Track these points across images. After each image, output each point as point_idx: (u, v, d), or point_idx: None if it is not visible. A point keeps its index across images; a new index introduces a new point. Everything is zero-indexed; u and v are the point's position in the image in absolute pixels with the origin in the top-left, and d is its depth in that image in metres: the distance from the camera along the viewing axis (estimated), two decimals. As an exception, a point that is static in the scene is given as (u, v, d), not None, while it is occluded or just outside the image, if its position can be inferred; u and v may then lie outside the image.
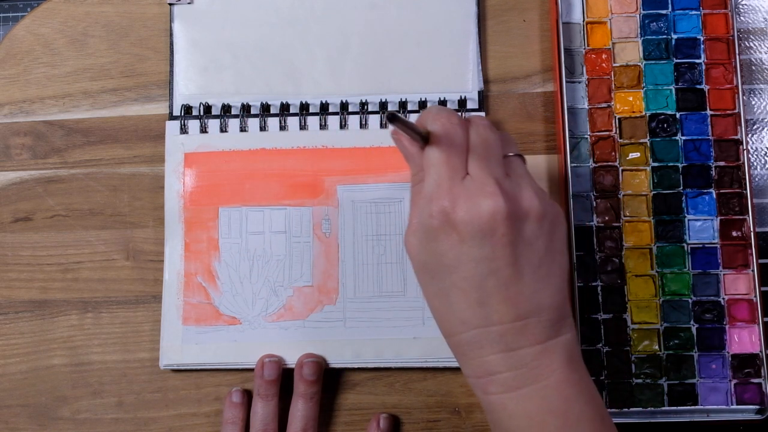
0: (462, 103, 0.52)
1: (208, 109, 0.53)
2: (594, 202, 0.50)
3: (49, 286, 0.53)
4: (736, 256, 0.49)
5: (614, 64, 0.52)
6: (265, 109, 0.53)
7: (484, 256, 0.36)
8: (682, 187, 0.50)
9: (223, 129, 0.53)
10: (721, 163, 0.50)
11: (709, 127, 0.51)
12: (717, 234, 0.50)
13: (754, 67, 0.54)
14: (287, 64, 0.53)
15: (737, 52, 0.51)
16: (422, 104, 0.52)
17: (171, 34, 0.54)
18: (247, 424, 0.49)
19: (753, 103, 0.53)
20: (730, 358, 0.49)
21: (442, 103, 0.52)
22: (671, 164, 0.50)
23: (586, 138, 0.51)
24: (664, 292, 0.49)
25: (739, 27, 0.53)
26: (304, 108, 0.53)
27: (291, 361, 0.50)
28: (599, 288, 0.49)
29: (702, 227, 0.50)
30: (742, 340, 0.49)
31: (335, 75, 0.53)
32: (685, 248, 0.50)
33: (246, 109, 0.53)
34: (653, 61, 0.52)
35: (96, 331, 0.52)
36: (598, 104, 0.51)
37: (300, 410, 0.48)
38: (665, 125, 0.51)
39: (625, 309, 0.49)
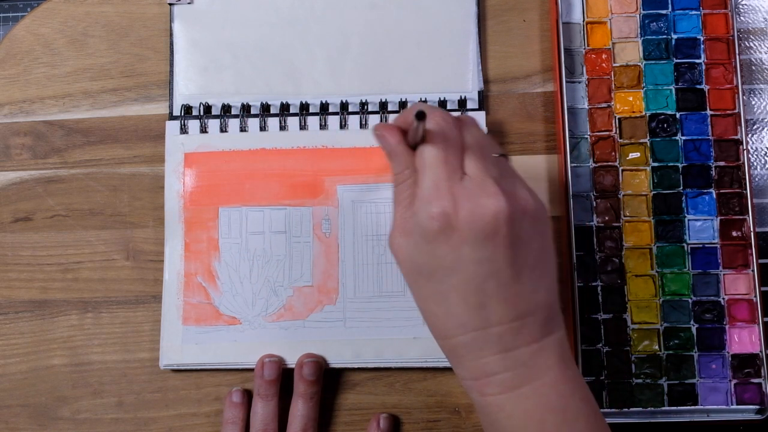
0: (462, 103, 0.52)
1: (208, 109, 0.53)
2: (594, 202, 0.50)
3: (49, 286, 0.53)
4: (736, 256, 0.49)
5: (614, 64, 0.52)
6: (265, 109, 0.53)
7: (486, 258, 0.36)
8: (682, 187, 0.50)
9: (223, 129, 0.53)
10: (721, 163, 0.50)
11: (709, 127, 0.51)
12: (717, 234, 0.50)
13: (754, 67, 0.54)
14: (287, 64, 0.53)
15: (737, 52, 0.51)
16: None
17: (171, 34, 0.54)
18: (247, 424, 0.49)
19: (753, 103, 0.53)
20: (730, 358, 0.49)
21: (442, 103, 0.52)
22: (671, 164, 0.50)
23: (586, 138, 0.51)
24: (664, 292, 0.49)
25: (739, 27, 0.53)
26: (304, 108, 0.53)
27: (291, 361, 0.50)
28: (599, 288, 0.49)
29: (702, 227, 0.50)
30: (742, 340, 0.49)
31: (335, 75, 0.53)
32: (685, 248, 0.50)
33: (246, 109, 0.53)
34: (653, 61, 0.52)
35: (96, 331, 0.52)
36: (598, 104, 0.51)
37: (300, 410, 0.48)
38: (665, 125, 0.51)
39: (625, 309, 0.49)
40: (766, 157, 0.53)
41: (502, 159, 0.39)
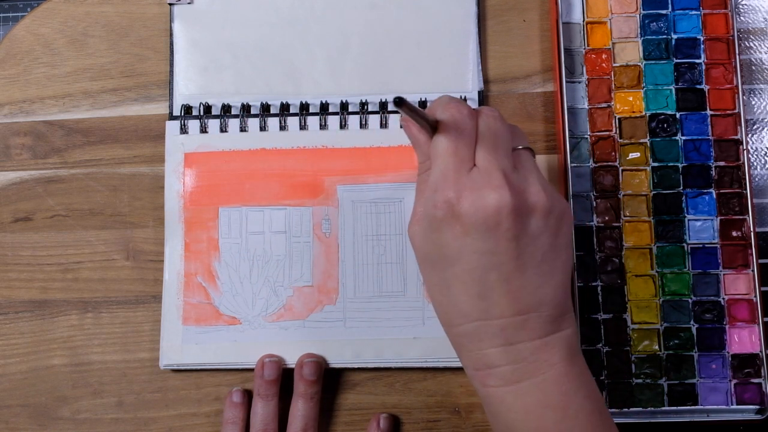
0: (462, 103, 0.52)
1: (208, 109, 0.53)
2: (594, 202, 0.50)
3: (49, 286, 0.53)
4: (736, 256, 0.49)
5: (614, 64, 0.52)
6: (265, 109, 0.53)
7: (487, 250, 0.36)
8: (682, 187, 0.50)
9: (223, 129, 0.53)
10: (721, 163, 0.50)
11: (709, 127, 0.51)
12: (717, 234, 0.50)
13: (754, 67, 0.54)
14: (287, 64, 0.53)
15: (737, 52, 0.51)
16: (422, 104, 0.52)
17: (171, 34, 0.54)
18: (248, 424, 0.49)
19: (753, 103, 0.53)
20: (730, 358, 0.49)
21: (442, 103, 0.52)
22: (671, 164, 0.50)
23: (586, 138, 0.51)
24: (664, 292, 0.49)
25: (739, 27, 0.53)
26: (304, 108, 0.53)
27: (291, 361, 0.50)
28: (599, 288, 0.49)
29: (702, 227, 0.50)
30: (742, 340, 0.49)
31: (335, 75, 0.53)
32: (685, 248, 0.50)
33: (246, 109, 0.53)
34: (653, 61, 0.52)
35: (96, 331, 0.52)
36: (598, 104, 0.51)
37: (300, 410, 0.48)
38: (665, 125, 0.51)
39: (625, 309, 0.49)
40: (766, 157, 0.53)
41: (525, 152, 0.39)
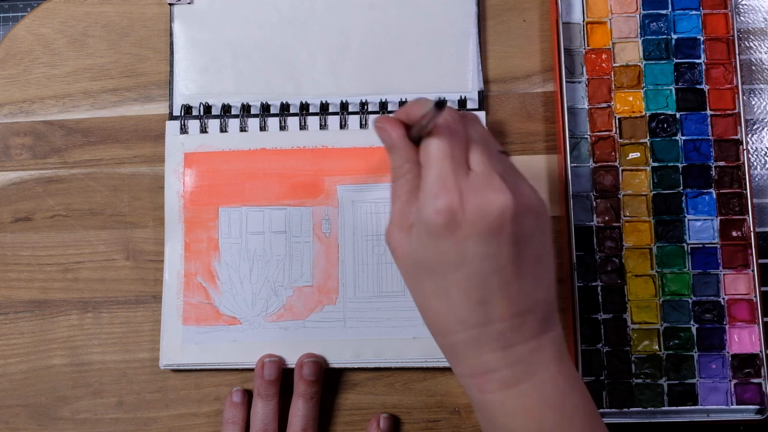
0: (462, 103, 0.52)
1: (208, 109, 0.53)
2: (594, 202, 0.50)
3: (49, 286, 0.53)
4: (736, 256, 0.49)
5: (614, 64, 0.52)
6: (265, 109, 0.53)
7: (490, 254, 0.36)
8: (682, 187, 0.50)
9: (223, 129, 0.53)
10: (721, 163, 0.50)
11: (709, 127, 0.51)
12: (717, 234, 0.50)
13: (754, 67, 0.54)
14: (287, 64, 0.53)
15: (737, 52, 0.51)
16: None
17: (171, 34, 0.54)
18: (248, 424, 0.49)
19: (753, 103, 0.53)
20: (730, 358, 0.49)
21: (442, 103, 0.52)
22: (671, 164, 0.50)
23: (586, 138, 0.51)
24: (664, 292, 0.49)
25: (739, 27, 0.53)
26: (304, 108, 0.53)
27: (291, 361, 0.50)
28: (599, 288, 0.49)
29: (702, 227, 0.50)
30: (742, 340, 0.49)
31: (335, 75, 0.53)
32: (685, 248, 0.50)
33: (246, 109, 0.53)
34: (653, 61, 0.52)
35: (96, 331, 0.52)
36: (598, 104, 0.51)
37: (300, 410, 0.48)
38: (665, 125, 0.51)
39: (625, 309, 0.49)
40: (766, 157, 0.53)
41: (503, 155, 0.39)
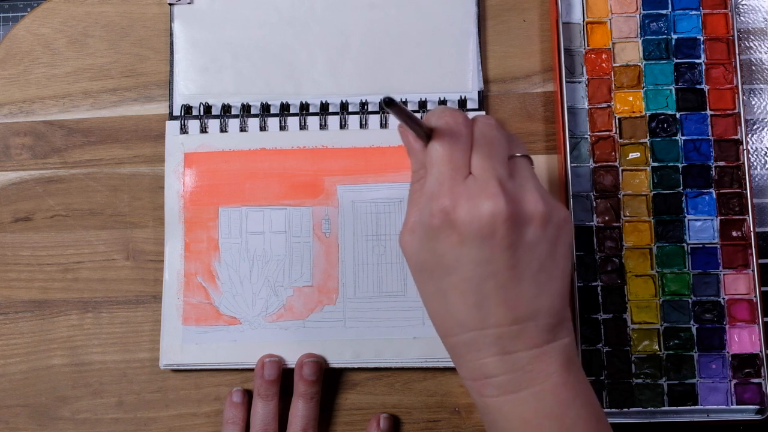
0: (462, 103, 0.52)
1: (208, 109, 0.53)
2: (594, 202, 0.50)
3: (49, 286, 0.53)
4: (736, 256, 0.49)
5: (614, 64, 0.52)
6: (265, 109, 0.53)
7: (484, 258, 0.36)
8: (682, 187, 0.50)
9: (223, 129, 0.53)
10: (721, 163, 0.50)
11: (709, 127, 0.51)
12: (717, 234, 0.50)
13: (754, 67, 0.54)
14: (287, 64, 0.53)
15: (737, 52, 0.51)
16: (422, 104, 0.52)
17: (171, 34, 0.54)
18: (248, 424, 0.49)
19: (753, 103, 0.53)
20: (730, 358, 0.49)
21: (442, 103, 0.52)
22: (671, 164, 0.50)
23: (586, 138, 0.51)
24: (664, 292, 0.49)
25: (739, 27, 0.53)
26: (304, 108, 0.53)
27: (291, 361, 0.50)
28: (599, 288, 0.49)
29: (702, 227, 0.50)
30: (742, 340, 0.49)
31: (335, 75, 0.53)
32: (685, 248, 0.50)
33: (246, 109, 0.53)
34: (653, 61, 0.52)
35: (96, 331, 0.52)
36: (598, 104, 0.51)
37: (300, 410, 0.48)
38: (665, 125, 0.51)
39: (625, 309, 0.49)
40: (766, 157, 0.53)
41: (522, 160, 0.39)
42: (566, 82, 0.51)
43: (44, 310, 0.53)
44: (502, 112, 0.53)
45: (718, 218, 0.50)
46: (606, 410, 0.48)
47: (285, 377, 0.50)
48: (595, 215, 0.50)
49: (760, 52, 0.54)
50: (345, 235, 0.51)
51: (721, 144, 0.50)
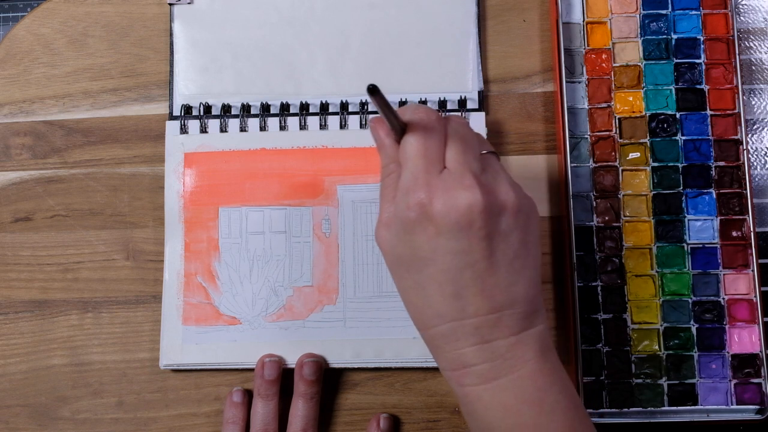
0: (462, 103, 0.52)
1: (208, 109, 0.53)
2: (594, 202, 0.50)
3: (49, 286, 0.53)
4: (736, 256, 0.49)
5: (614, 64, 0.52)
6: (265, 109, 0.53)
7: (461, 249, 0.37)
8: (682, 187, 0.50)
9: (223, 129, 0.53)
10: (721, 163, 0.50)
11: (709, 127, 0.51)
12: (717, 234, 0.50)
13: (754, 67, 0.54)
14: (287, 64, 0.53)
15: (737, 52, 0.51)
16: (422, 104, 0.52)
17: (171, 34, 0.54)
18: (248, 424, 0.49)
19: (753, 103, 0.53)
20: (730, 358, 0.49)
21: (442, 103, 0.52)
22: (671, 164, 0.50)
23: (586, 138, 0.51)
24: (664, 292, 0.49)
25: (739, 27, 0.53)
26: (304, 108, 0.53)
27: (291, 361, 0.50)
28: (599, 288, 0.49)
29: (702, 227, 0.50)
30: (742, 340, 0.49)
31: (335, 75, 0.53)
32: (685, 248, 0.50)
33: (246, 109, 0.53)
34: (653, 61, 0.52)
35: (96, 331, 0.52)
36: (598, 104, 0.51)
37: (300, 410, 0.48)
38: (665, 125, 0.51)
39: (625, 309, 0.49)
40: (766, 157, 0.53)
41: (491, 156, 0.40)
42: (566, 82, 0.51)
43: (44, 310, 0.53)
44: (502, 112, 0.53)
45: (718, 218, 0.50)
46: (606, 410, 0.48)
47: (285, 377, 0.50)
48: (595, 215, 0.50)
49: (760, 52, 0.54)
50: (345, 235, 0.51)
51: (721, 144, 0.50)
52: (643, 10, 0.52)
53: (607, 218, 0.50)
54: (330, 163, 0.52)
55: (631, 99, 0.51)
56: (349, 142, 0.52)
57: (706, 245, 0.50)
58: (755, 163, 0.53)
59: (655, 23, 0.52)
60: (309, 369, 0.49)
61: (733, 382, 0.48)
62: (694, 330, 0.49)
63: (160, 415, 0.51)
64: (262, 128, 0.52)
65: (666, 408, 0.48)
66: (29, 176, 0.54)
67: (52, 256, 0.53)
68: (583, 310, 0.49)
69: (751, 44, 0.54)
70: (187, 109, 0.53)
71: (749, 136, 0.53)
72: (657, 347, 0.49)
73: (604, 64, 0.52)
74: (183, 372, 0.51)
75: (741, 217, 0.50)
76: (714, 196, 0.50)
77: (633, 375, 0.48)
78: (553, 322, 0.51)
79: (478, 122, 0.51)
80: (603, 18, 0.52)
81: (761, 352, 0.48)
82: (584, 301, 0.49)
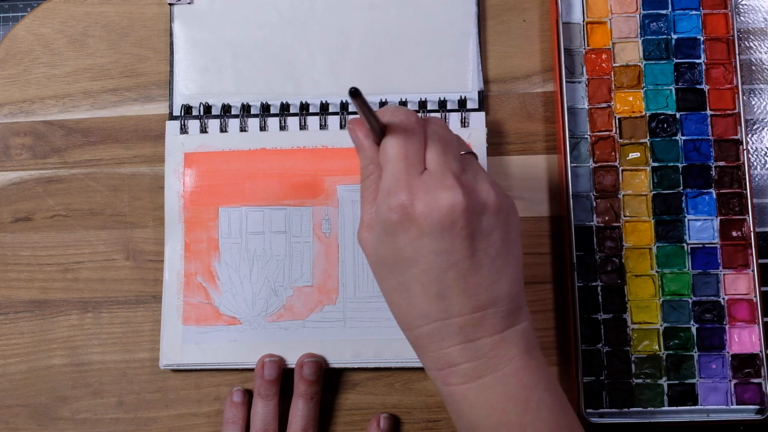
0: (462, 103, 0.52)
1: (208, 109, 0.53)
2: (594, 202, 0.50)
3: (49, 286, 0.53)
4: (736, 256, 0.49)
5: (614, 64, 0.52)
6: (265, 109, 0.53)
7: (444, 249, 0.37)
8: (682, 187, 0.50)
9: (223, 129, 0.53)
10: (721, 163, 0.50)
11: (709, 127, 0.51)
12: (717, 234, 0.50)
13: (754, 67, 0.54)
14: (287, 64, 0.53)
15: (737, 52, 0.51)
16: (422, 104, 0.52)
17: (171, 34, 0.54)
18: (248, 424, 0.49)
19: (753, 103, 0.53)
20: (730, 358, 0.49)
21: (442, 103, 0.52)
22: (671, 164, 0.50)
23: (586, 138, 0.51)
24: (664, 292, 0.49)
25: (739, 27, 0.53)
26: (304, 108, 0.53)
27: (291, 361, 0.50)
28: (599, 288, 0.49)
29: (702, 227, 0.50)
30: (742, 340, 0.49)
31: (335, 75, 0.53)
32: (685, 248, 0.50)
33: (246, 109, 0.53)
34: (653, 61, 0.52)
35: (96, 331, 0.52)
36: (598, 104, 0.51)
37: (300, 410, 0.48)
38: (665, 125, 0.51)
39: (625, 309, 0.49)
40: (766, 157, 0.53)
41: (469, 156, 0.40)
42: (566, 82, 0.51)
43: (44, 310, 0.53)
44: (502, 112, 0.53)
45: (718, 218, 0.50)
46: (606, 410, 0.48)
47: (285, 377, 0.50)
48: (595, 215, 0.50)
49: (760, 52, 0.54)
50: (345, 235, 0.51)
51: (721, 144, 0.50)
52: (643, 10, 0.52)
53: (607, 218, 0.50)
54: (330, 163, 0.52)
55: (631, 99, 0.51)
56: (349, 142, 0.51)
57: (706, 245, 0.50)
58: (755, 163, 0.53)
59: (655, 23, 0.52)
60: (309, 369, 0.49)
61: (733, 382, 0.48)
62: (694, 330, 0.49)
63: (160, 415, 0.51)
64: (262, 128, 0.52)
65: (666, 408, 0.48)
66: (29, 176, 0.54)
67: (52, 256, 0.53)
68: (583, 310, 0.49)
69: (751, 44, 0.54)
70: (187, 109, 0.53)
71: (749, 136, 0.53)
72: (657, 347, 0.49)
73: (604, 64, 0.52)
74: (183, 372, 0.51)
75: (741, 217, 0.50)
76: (714, 196, 0.50)
77: (633, 375, 0.48)
78: (553, 322, 0.51)
79: (478, 122, 0.51)
80: (603, 18, 0.52)
81: (761, 352, 0.48)
82: (584, 301, 0.49)
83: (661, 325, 0.49)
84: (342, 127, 0.52)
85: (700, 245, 0.50)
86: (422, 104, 0.52)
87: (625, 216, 0.50)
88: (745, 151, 0.50)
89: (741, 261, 0.49)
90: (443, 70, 0.53)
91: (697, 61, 0.51)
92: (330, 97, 0.53)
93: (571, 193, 0.50)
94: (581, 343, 0.49)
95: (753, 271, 0.49)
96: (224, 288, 0.51)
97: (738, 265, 0.49)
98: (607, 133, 0.51)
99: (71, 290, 0.53)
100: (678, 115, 0.51)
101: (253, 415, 0.49)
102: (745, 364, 0.48)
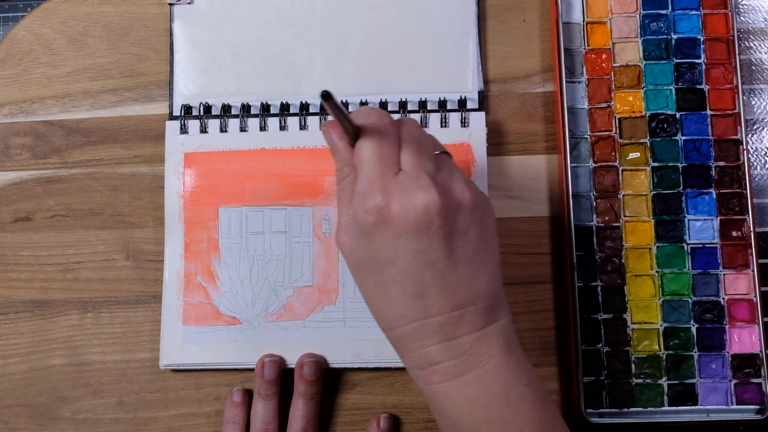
0: (462, 103, 0.52)
1: (208, 109, 0.53)
2: (594, 202, 0.50)
3: (49, 286, 0.53)
4: (736, 256, 0.49)
5: (614, 64, 0.52)
6: (265, 109, 0.53)
7: (421, 249, 0.37)
8: (682, 187, 0.50)
9: (223, 129, 0.53)
10: (721, 163, 0.50)
11: (709, 127, 0.51)
12: (717, 234, 0.50)
13: (754, 67, 0.54)
14: (287, 64, 0.53)
15: (737, 52, 0.51)
16: (422, 104, 0.52)
17: (171, 34, 0.54)
18: (248, 423, 0.49)
19: (753, 103, 0.53)
20: (730, 358, 0.49)
21: (442, 103, 0.52)
22: (671, 164, 0.50)
23: (586, 138, 0.51)
24: (664, 292, 0.49)
25: (739, 27, 0.53)
26: (304, 108, 0.53)
27: (291, 361, 0.50)
28: (599, 288, 0.49)
29: (702, 227, 0.50)
30: (742, 340, 0.49)
31: (335, 75, 0.53)
32: (685, 248, 0.50)
33: (246, 109, 0.53)
34: (653, 61, 0.52)
35: (96, 331, 0.52)
36: (598, 104, 0.51)
37: (300, 410, 0.48)
38: (665, 125, 0.51)
39: (625, 309, 0.49)
40: (766, 157, 0.53)
41: (444, 156, 0.40)
42: (566, 82, 0.51)
43: (44, 310, 0.53)
44: (502, 112, 0.53)
45: (718, 218, 0.50)
46: (606, 410, 0.48)
47: (285, 377, 0.50)
48: (595, 215, 0.50)
49: (760, 52, 0.54)
50: (345, 235, 0.51)
51: (721, 144, 0.50)
52: (643, 10, 0.52)
53: (607, 218, 0.50)
54: (330, 163, 0.51)
55: (631, 99, 0.51)
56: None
57: (706, 245, 0.50)
58: (755, 163, 0.53)
59: (655, 23, 0.52)
60: (309, 369, 0.49)
61: (733, 382, 0.48)
62: (694, 330, 0.49)
63: (160, 415, 0.51)
64: (262, 128, 0.52)
65: (666, 408, 0.48)
66: (29, 176, 0.54)
67: (52, 256, 0.53)
68: (583, 310, 0.49)
69: (751, 44, 0.54)
70: (187, 109, 0.53)
71: (749, 136, 0.53)
72: (657, 347, 0.49)
73: (604, 64, 0.52)
74: (183, 372, 0.51)
75: (741, 217, 0.50)
76: (714, 196, 0.50)
77: (633, 375, 0.48)
78: (553, 322, 0.51)
79: (478, 122, 0.51)
80: (603, 18, 0.52)
81: (761, 352, 0.48)
82: (584, 301, 0.49)
83: (661, 325, 0.49)
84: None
85: (700, 245, 0.50)
86: (422, 104, 0.52)
87: (625, 216, 0.50)
88: (745, 151, 0.50)
89: (741, 261, 0.49)
90: (443, 70, 0.53)
91: (697, 61, 0.51)
92: (330, 97, 0.53)
93: (571, 193, 0.50)
94: (581, 343, 0.49)
95: (753, 271, 0.49)
96: (224, 288, 0.51)
97: (738, 265, 0.49)
98: (607, 133, 0.51)
99: (71, 290, 0.53)
100: (678, 115, 0.51)
101: (253, 415, 0.49)
102: (745, 364, 0.48)
